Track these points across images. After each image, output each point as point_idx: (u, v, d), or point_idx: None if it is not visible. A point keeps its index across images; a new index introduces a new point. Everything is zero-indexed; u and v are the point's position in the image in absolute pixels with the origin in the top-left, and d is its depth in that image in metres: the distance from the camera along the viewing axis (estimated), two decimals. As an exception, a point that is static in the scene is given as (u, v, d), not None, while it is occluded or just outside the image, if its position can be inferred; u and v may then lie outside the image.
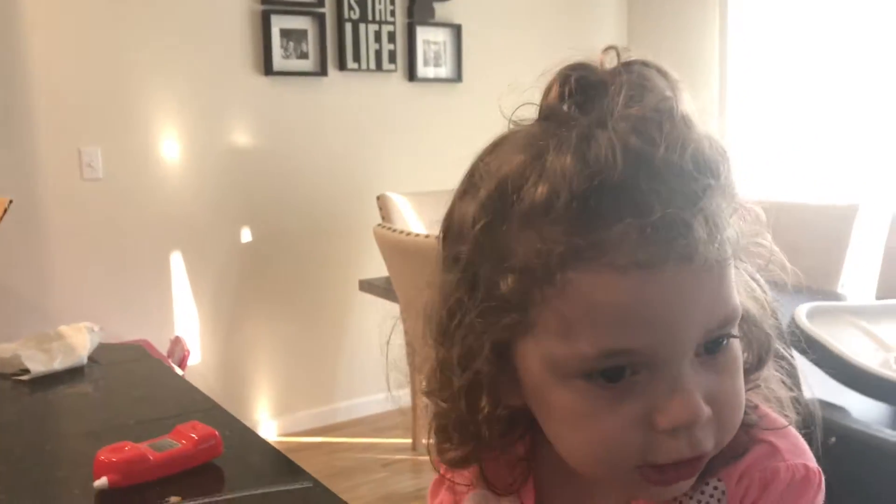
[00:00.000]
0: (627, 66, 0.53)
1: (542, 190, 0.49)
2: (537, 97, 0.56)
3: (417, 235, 2.39)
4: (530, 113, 0.56)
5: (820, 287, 2.41)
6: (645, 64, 0.53)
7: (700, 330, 0.50)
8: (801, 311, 1.58)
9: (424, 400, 0.64)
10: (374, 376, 3.56)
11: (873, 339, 1.60)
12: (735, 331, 0.53)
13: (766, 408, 0.61)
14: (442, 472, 0.66)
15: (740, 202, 0.54)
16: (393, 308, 2.98)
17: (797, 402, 0.63)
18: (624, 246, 0.48)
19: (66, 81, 2.87)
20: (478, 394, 0.57)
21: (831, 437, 1.35)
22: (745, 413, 0.57)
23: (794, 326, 1.52)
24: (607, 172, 0.48)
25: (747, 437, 0.58)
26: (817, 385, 1.41)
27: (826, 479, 0.59)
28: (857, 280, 2.57)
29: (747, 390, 0.58)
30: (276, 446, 1.20)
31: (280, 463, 1.13)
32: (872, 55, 3.15)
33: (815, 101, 3.35)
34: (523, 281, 0.51)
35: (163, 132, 3.06)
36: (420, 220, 3.11)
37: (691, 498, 0.57)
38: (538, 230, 0.49)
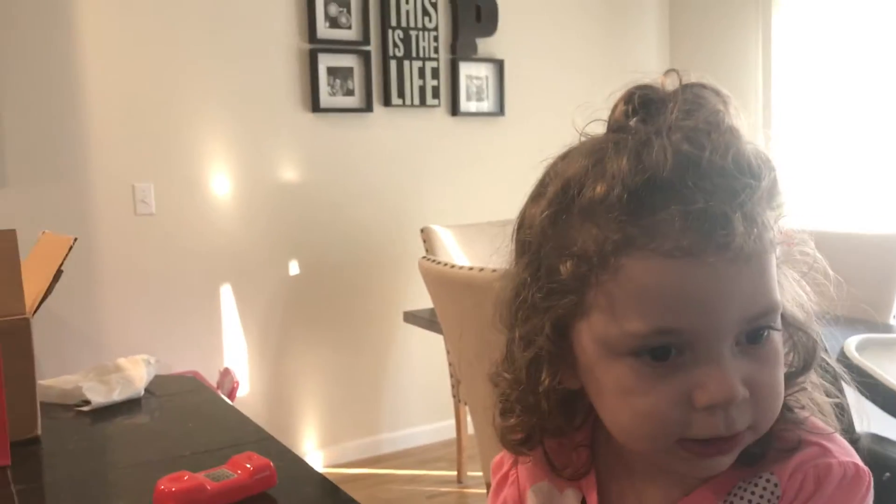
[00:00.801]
0: (686, 86, 0.60)
1: (600, 186, 0.56)
2: (605, 115, 0.62)
3: (461, 268, 2.41)
4: (600, 128, 0.63)
5: (871, 318, 2.37)
6: (702, 85, 0.60)
7: (739, 316, 0.55)
8: (852, 343, 1.56)
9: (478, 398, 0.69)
10: (419, 407, 3.58)
11: (927, 371, 1.57)
12: (776, 324, 0.58)
13: (810, 415, 0.64)
14: (509, 462, 0.71)
15: (784, 210, 0.60)
16: (437, 340, 3.00)
17: (841, 411, 0.66)
18: (669, 233, 0.54)
19: (119, 118, 2.97)
20: (539, 368, 0.62)
21: (885, 472, 1.33)
22: (792, 411, 0.62)
23: (845, 358, 1.50)
24: (657, 170, 0.54)
25: (796, 434, 0.61)
26: (870, 419, 1.40)
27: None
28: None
29: (793, 392, 0.62)
30: (325, 477, 1.22)
31: (331, 494, 1.15)
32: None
33: (862, 126, 3.30)
34: (581, 266, 0.57)
35: (213, 167, 3.14)
36: (463, 253, 3.13)
37: (745, 490, 0.61)
38: (595, 221, 0.56)
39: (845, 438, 0.64)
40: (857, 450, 1.28)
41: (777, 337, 0.58)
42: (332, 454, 3.42)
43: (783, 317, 0.60)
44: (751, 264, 0.55)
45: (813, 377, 0.65)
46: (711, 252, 0.53)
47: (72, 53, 2.88)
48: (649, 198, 0.55)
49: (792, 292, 0.62)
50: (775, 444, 0.61)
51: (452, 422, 3.20)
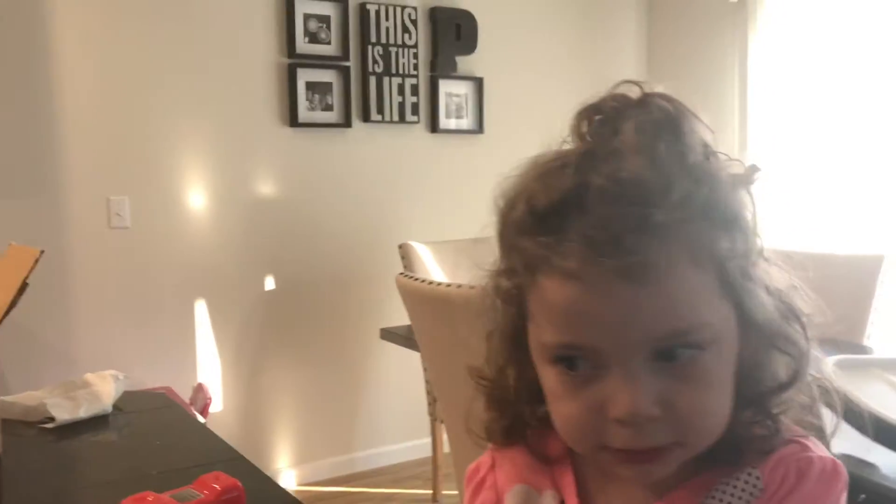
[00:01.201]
0: (640, 103, 0.60)
1: (521, 206, 0.60)
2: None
3: (439, 284, 2.40)
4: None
5: (845, 339, 2.38)
6: (658, 96, 0.60)
7: (644, 336, 0.55)
8: (828, 364, 1.56)
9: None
10: (395, 425, 3.54)
11: (902, 393, 1.57)
12: (696, 344, 0.57)
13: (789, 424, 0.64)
14: (490, 454, 0.73)
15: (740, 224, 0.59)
16: (414, 357, 2.98)
17: (820, 433, 0.65)
18: (572, 255, 0.56)
19: (94, 132, 2.94)
20: (508, 365, 0.67)
21: (861, 493, 1.33)
22: (769, 423, 0.62)
23: (821, 380, 1.50)
24: (566, 196, 0.57)
25: (774, 440, 0.62)
26: (844, 441, 1.39)
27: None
28: (882, 332, 2.53)
29: (779, 412, 0.62)
30: (296, 496, 1.19)
31: (302, 515, 1.13)
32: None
33: (839, 148, 3.32)
34: (515, 280, 0.62)
35: (190, 182, 3.11)
36: (441, 269, 3.12)
37: (727, 484, 0.61)
38: (521, 239, 0.60)
39: None
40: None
41: (703, 358, 0.57)
42: (306, 472, 3.38)
43: (754, 327, 0.60)
44: (654, 286, 0.54)
45: (800, 398, 0.63)
46: (611, 278, 0.54)
47: (48, 66, 2.84)
48: (557, 220, 0.57)
49: (760, 305, 0.60)
50: (755, 445, 0.61)
51: (428, 440, 3.18)
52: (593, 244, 0.55)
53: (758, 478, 0.61)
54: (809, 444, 0.62)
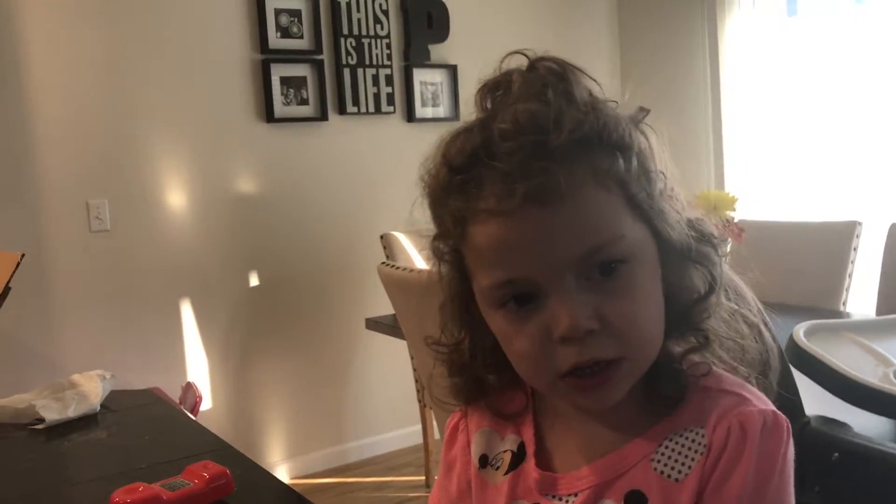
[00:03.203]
0: (529, 68, 0.66)
1: (441, 171, 0.66)
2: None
3: (421, 271, 2.42)
4: None
5: (822, 305, 2.43)
6: (544, 60, 0.66)
7: (567, 256, 0.61)
8: (800, 330, 1.60)
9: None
10: (385, 414, 3.57)
11: (873, 354, 1.61)
12: (620, 257, 0.62)
13: (719, 369, 0.68)
14: (459, 411, 0.78)
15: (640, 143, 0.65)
16: (401, 345, 3.01)
17: (760, 351, 0.70)
18: (490, 196, 0.61)
19: (71, 135, 2.93)
20: (462, 332, 0.72)
21: (834, 452, 1.37)
22: (684, 353, 0.67)
23: (794, 345, 1.54)
24: (479, 149, 0.62)
25: (685, 379, 0.66)
26: (817, 401, 1.43)
27: (830, 494, 0.63)
28: (858, 297, 2.58)
29: (705, 317, 0.66)
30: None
31: (291, 500, 1.16)
32: (871, 69, 3.18)
33: (812, 117, 3.37)
34: (450, 241, 0.67)
35: (168, 182, 3.11)
36: (424, 258, 3.14)
37: (673, 441, 0.65)
38: (447, 200, 0.65)
39: (796, 421, 0.67)
40: (808, 431, 1.31)
41: (632, 269, 0.62)
42: (299, 465, 3.41)
43: (669, 246, 0.65)
44: (563, 205, 0.60)
45: (727, 305, 0.68)
46: (528, 207, 0.60)
47: (20, 69, 2.84)
48: (473, 171, 0.63)
49: (678, 219, 0.66)
50: (687, 381, 0.65)
51: (419, 427, 3.21)
52: (504, 179, 0.60)
53: (703, 435, 0.64)
54: (747, 394, 0.65)
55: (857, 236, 2.52)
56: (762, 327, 0.70)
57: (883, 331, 1.72)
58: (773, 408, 0.64)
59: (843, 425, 1.47)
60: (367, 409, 3.54)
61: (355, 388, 3.53)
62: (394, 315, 2.83)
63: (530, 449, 0.72)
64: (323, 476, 3.39)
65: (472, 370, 0.73)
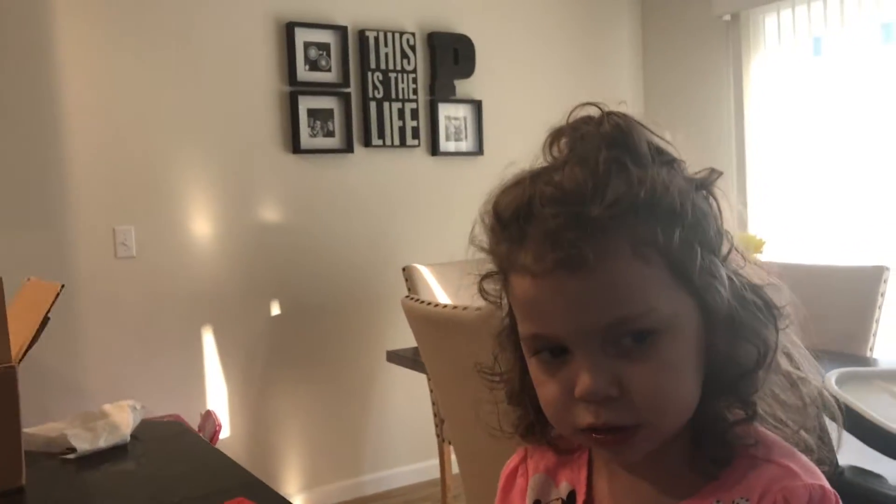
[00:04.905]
0: (598, 122, 0.68)
1: (491, 219, 0.69)
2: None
3: (445, 306, 2.42)
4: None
5: (848, 351, 2.40)
6: (610, 117, 0.67)
7: (594, 323, 0.62)
8: (831, 377, 1.59)
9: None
10: (403, 448, 3.56)
11: (905, 403, 1.59)
12: (650, 329, 0.62)
13: (770, 432, 0.67)
14: (525, 448, 0.80)
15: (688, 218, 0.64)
16: (421, 379, 3.00)
17: (821, 437, 0.69)
18: (529, 256, 0.64)
19: (99, 162, 2.97)
20: (515, 365, 0.74)
21: (868, 503, 1.35)
22: (731, 424, 0.65)
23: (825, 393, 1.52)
24: (523, 207, 0.64)
25: (731, 446, 0.65)
26: (851, 452, 1.41)
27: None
28: (885, 344, 2.55)
29: (752, 392, 0.65)
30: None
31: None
32: None
33: (838, 159, 3.36)
34: (496, 283, 0.71)
35: (194, 210, 3.14)
36: (444, 291, 3.14)
37: None
38: (494, 246, 0.68)
39: (828, 472, 0.66)
40: (841, 483, 1.30)
41: (665, 340, 0.62)
42: (315, 497, 3.39)
43: (717, 317, 0.64)
44: (596, 278, 0.61)
45: (779, 382, 0.67)
46: (559, 272, 0.62)
47: (53, 97, 2.89)
48: (517, 225, 0.65)
49: (735, 289, 0.65)
50: (739, 436, 0.65)
51: (436, 461, 3.19)
52: (541, 242, 0.63)
53: None
54: (796, 467, 0.64)
55: (885, 281, 2.50)
56: (820, 401, 0.69)
57: (915, 380, 1.70)
58: (823, 482, 0.63)
59: (878, 476, 1.46)
60: (384, 441, 3.53)
61: (374, 420, 3.52)
62: (415, 348, 2.82)
63: (580, 499, 0.73)
64: (338, 508, 3.37)
65: (524, 398, 0.74)
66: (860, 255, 3.09)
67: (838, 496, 0.63)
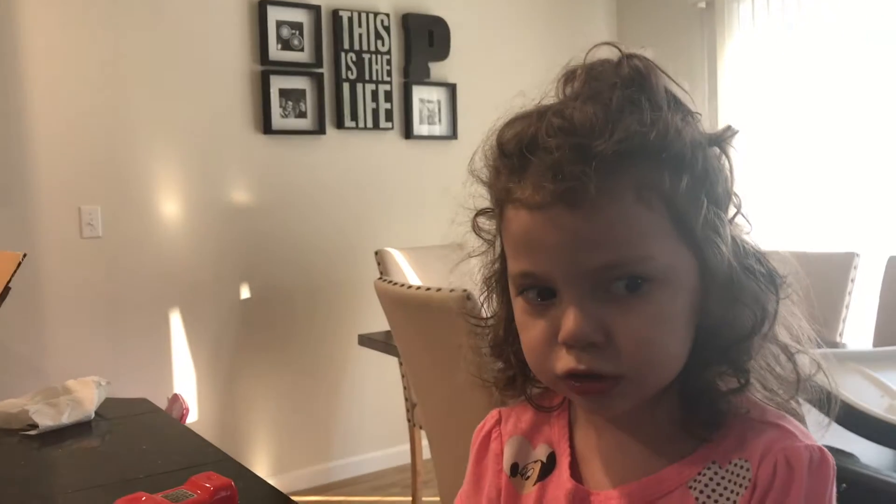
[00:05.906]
0: (617, 63, 0.65)
1: (493, 150, 0.66)
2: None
3: (418, 288, 2.40)
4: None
5: (820, 337, 2.42)
6: (630, 59, 0.65)
7: (589, 265, 0.59)
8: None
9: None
10: (373, 433, 3.53)
11: (877, 385, 1.61)
12: (643, 277, 0.59)
13: (760, 401, 0.65)
14: (497, 411, 0.77)
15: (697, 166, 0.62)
16: (392, 363, 2.98)
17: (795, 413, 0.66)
18: (527, 189, 0.61)
19: (67, 140, 2.90)
20: (499, 306, 0.72)
21: (842, 483, 1.35)
22: (737, 375, 0.63)
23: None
24: (528, 138, 0.62)
25: (727, 405, 0.63)
26: (821, 430, 1.42)
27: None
28: (854, 329, 2.58)
29: (745, 359, 0.63)
30: None
31: (293, 514, 1.12)
32: (872, 99, 3.19)
33: (810, 147, 3.38)
34: (491, 220, 0.69)
35: (162, 190, 3.08)
36: (417, 275, 3.12)
37: (710, 468, 0.63)
38: (493, 179, 0.66)
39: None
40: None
41: (659, 291, 0.60)
42: (284, 482, 3.35)
43: (715, 277, 0.61)
44: (595, 216, 0.58)
45: (766, 354, 0.65)
46: (559, 207, 0.59)
47: (19, 73, 2.81)
48: (520, 158, 0.62)
49: (738, 251, 0.63)
50: (731, 401, 0.63)
51: (407, 447, 3.17)
52: (542, 174, 0.60)
53: (748, 470, 0.61)
54: (790, 427, 0.62)
55: (855, 268, 2.52)
56: (819, 373, 0.67)
57: (886, 362, 1.72)
58: (818, 443, 0.62)
59: (850, 455, 1.47)
60: (354, 426, 3.50)
61: (344, 405, 3.49)
62: (386, 332, 2.80)
63: (564, 460, 0.70)
64: (307, 494, 3.34)
65: (507, 344, 0.71)
66: (831, 242, 3.11)
67: (833, 458, 0.62)
